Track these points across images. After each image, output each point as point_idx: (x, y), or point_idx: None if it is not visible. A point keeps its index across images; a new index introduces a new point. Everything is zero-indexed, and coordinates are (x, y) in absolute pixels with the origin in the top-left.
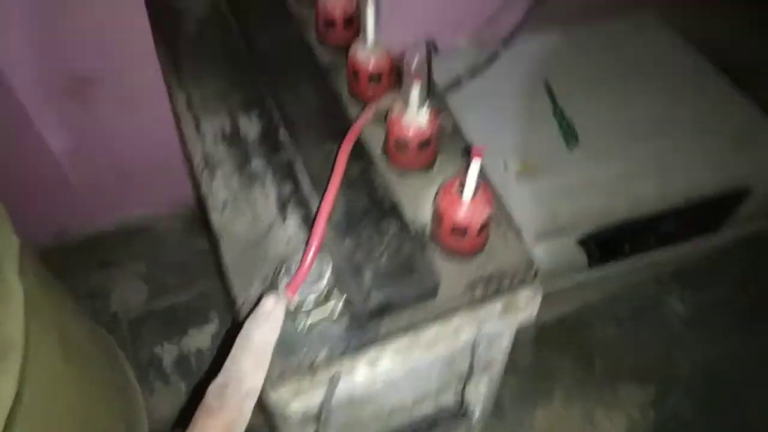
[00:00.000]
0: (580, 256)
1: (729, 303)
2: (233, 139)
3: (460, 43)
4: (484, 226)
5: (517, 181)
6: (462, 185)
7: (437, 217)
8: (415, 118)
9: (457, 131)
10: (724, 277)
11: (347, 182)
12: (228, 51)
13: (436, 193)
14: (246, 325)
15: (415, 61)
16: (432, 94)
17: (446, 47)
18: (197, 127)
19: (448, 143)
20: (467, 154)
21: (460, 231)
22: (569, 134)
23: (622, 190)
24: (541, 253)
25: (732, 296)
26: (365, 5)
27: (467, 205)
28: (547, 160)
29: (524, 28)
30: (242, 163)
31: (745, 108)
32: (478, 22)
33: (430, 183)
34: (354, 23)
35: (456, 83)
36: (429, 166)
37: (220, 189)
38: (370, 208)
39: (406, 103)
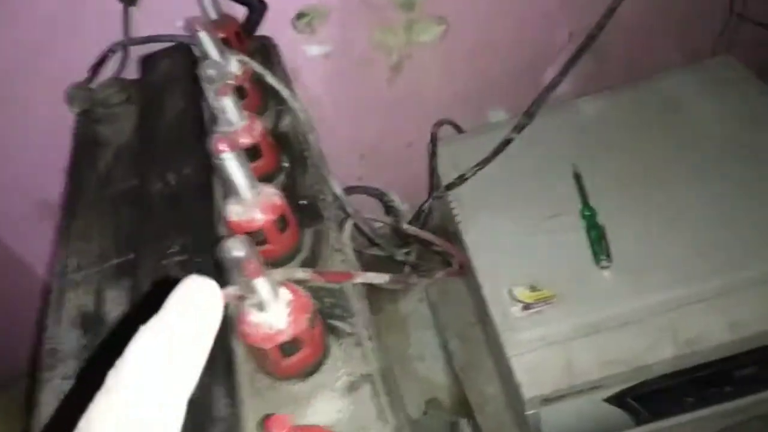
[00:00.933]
0: (618, 415)
1: None
2: (91, 323)
3: (497, 116)
4: None
5: (523, 316)
6: None
7: None
8: (265, 318)
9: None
10: None
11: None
12: (126, 197)
13: None
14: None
15: (244, 252)
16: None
17: (479, 121)
18: (59, 302)
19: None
20: None
21: None
22: (599, 247)
23: (673, 327)
24: (553, 416)
25: None
26: (224, 164)
27: None
28: (567, 284)
29: (549, 101)
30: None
31: None
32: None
33: (305, 397)
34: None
35: (461, 179)
36: (307, 372)
37: (49, 398)
38: None
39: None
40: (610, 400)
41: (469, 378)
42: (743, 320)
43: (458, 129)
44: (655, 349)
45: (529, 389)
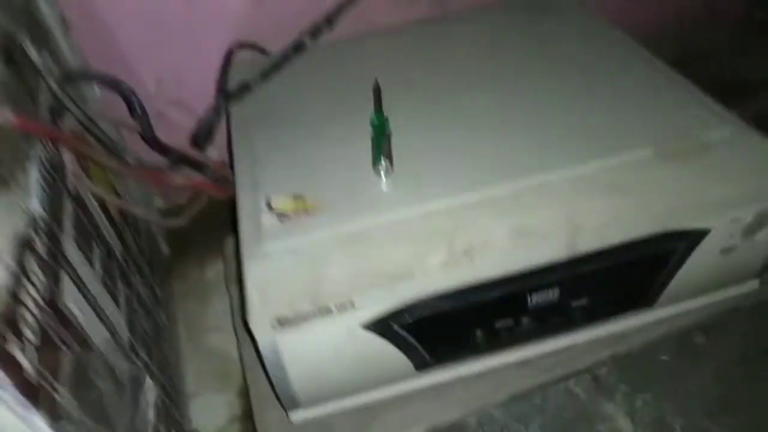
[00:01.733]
0: (388, 353)
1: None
2: None
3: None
4: None
5: (275, 226)
6: None
7: None
8: None
9: None
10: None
11: None
12: None
13: None
14: None
15: None
16: None
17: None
18: None
19: None
20: None
21: None
22: (381, 155)
23: (449, 234)
24: (296, 346)
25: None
26: None
27: None
28: (340, 193)
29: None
30: None
31: (697, 103)
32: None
33: None
34: None
35: (244, 89)
36: None
37: None
38: None
39: None
40: (371, 326)
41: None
42: (529, 227)
43: (264, 53)
44: (425, 258)
45: (262, 308)
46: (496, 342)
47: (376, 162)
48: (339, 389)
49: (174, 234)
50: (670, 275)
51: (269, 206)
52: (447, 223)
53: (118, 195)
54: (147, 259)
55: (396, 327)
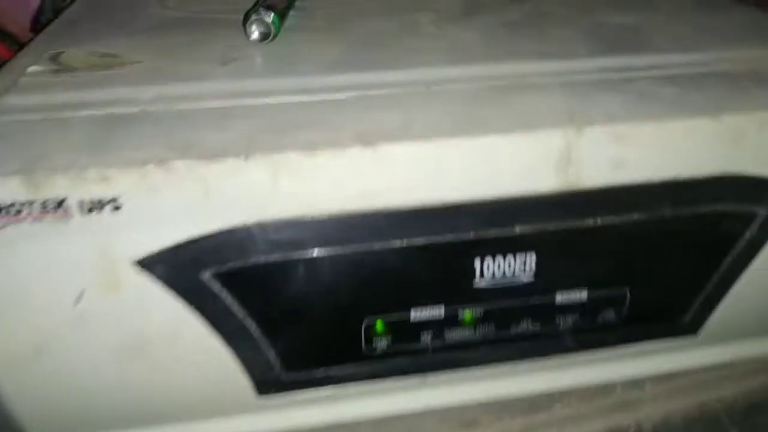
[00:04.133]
0: (196, 341)
1: None
2: None
3: None
4: None
5: (38, 76)
6: None
7: None
8: None
9: None
10: None
11: None
12: None
13: None
14: None
15: None
16: None
17: None
18: None
19: None
20: None
21: None
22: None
23: (339, 126)
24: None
25: None
26: None
27: None
28: (176, 54)
29: None
30: None
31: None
32: None
33: None
34: None
35: None
36: None
37: None
38: None
39: None
40: (152, 263)
41: None
42: (481, 117)
43: None
44: (277, 151)
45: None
46: (407, 357)
47: (251, 13)
48: (99, 407)
49: None
50: (736, 271)
51: (54, 59)
52: (335, 106)
53: None
54: None
55: (206, 278)
